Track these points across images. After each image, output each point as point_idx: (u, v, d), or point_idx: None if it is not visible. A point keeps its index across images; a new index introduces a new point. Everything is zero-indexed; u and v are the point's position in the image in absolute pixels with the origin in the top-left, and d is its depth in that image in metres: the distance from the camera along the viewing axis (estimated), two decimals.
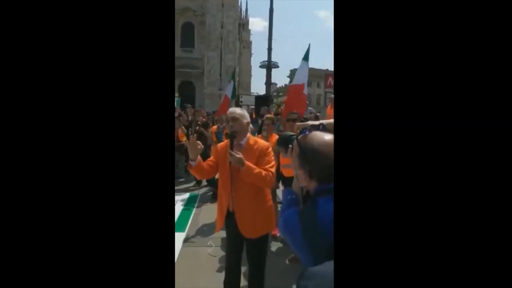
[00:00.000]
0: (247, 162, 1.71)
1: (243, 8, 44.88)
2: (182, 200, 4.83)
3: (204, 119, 6.83)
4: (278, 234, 3.45)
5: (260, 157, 1.78)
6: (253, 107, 6.89)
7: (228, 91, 6.21)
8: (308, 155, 0.79)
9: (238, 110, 1.91)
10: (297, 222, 0.74)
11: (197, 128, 5.99)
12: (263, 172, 1.73)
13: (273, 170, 1.77)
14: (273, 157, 1.82)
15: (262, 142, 1.88)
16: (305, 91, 4.39)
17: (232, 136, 1.80)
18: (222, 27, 28.61)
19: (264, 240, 1.90)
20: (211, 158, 1.97)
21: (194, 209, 4.46)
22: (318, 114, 5.50)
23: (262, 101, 7.47)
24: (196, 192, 5.37)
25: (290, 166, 3.13)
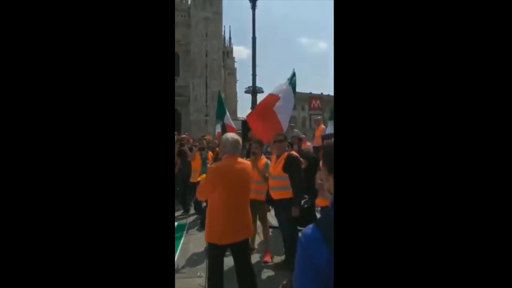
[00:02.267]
0: (203, 175, 2.51)
1: (227, 37, 46.47)
2: None
3: (190, 143, 6.76)
4: (269, 260, 3.36)
5: None
6: (240, 131, 6.95)
7: (228, 120, 6.24)
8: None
9: (223, 137, 2.35)
10: (317, 229, 0.73)
11: (180, 146, 5.91)
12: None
13: (200, 184, 2.30)
14: (207, 178, 2.19)
15: (214, 165, 2.38)
16: (285, 114, 3.79)
17: (217, 155, 2.71)
18: (206, 55, 29.30)
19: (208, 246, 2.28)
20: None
21: (183, 238, 4.31)
22: (303, 136, 5.59)
23: (248, 126, 7.54)
24: (184, 221, 5.21)
25: (278, 188, 3.16)
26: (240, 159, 2.26)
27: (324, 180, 0.89)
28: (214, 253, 2.19)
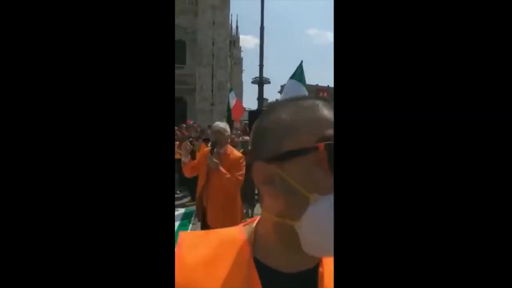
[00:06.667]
0: (220, 167, 2.27)
1: (234, 26, 45.82)
2: (177, 216, 4.79)
3: (196, 133, 6.84)
4: None
5: (232, 165, 2.34)
6: (247, 122, 6.99)
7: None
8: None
9: (220, 124, 2.50)
10: None
11: (190, 142, 6.03)
12: (232, 177, 2.29)
13: (241, 177, 2.32)
14: (243, 167, 2.31)
15: (236, 153, 2.42)
16: None
17: (213, 145, 2.39)
18: (213, 44, 29.14)
19: None
20: (195, 161, 2.81)
21: (191, 224, 4.44)
22: None
23: (255, 116, 7.58)
24: (192, 207, 5.34)
25: None
26: None
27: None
28: None
